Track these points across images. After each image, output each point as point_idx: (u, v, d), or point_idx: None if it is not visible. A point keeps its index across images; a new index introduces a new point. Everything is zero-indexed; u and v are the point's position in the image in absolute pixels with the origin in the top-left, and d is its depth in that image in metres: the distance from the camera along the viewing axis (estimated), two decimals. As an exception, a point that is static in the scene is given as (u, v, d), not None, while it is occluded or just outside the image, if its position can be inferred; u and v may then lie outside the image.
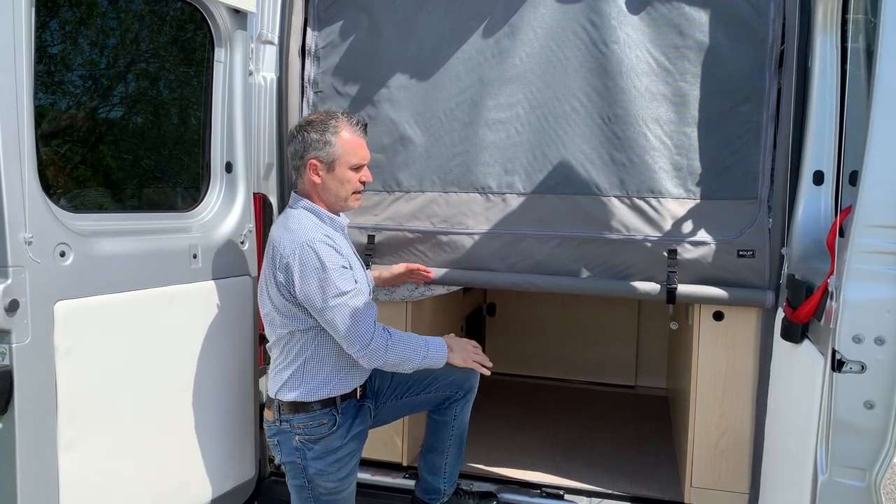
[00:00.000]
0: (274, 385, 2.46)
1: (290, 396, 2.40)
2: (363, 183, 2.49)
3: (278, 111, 3.19)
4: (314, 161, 2.40)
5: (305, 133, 2.41)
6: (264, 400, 2.54)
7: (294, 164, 2.48)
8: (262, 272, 2.45)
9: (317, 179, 2.42)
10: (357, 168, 2.45)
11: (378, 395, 2.65)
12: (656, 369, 5.04)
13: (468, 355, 2.50)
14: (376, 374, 2.61)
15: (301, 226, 2.36)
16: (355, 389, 2.50)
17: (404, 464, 3.31)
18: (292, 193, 2.52)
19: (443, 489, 2.88)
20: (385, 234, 3.13)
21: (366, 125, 2.50)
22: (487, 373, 2.54)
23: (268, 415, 2.50)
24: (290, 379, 2.41)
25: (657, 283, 2.81)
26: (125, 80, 2.99)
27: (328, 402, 2.42)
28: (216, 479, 2.86)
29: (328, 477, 2.43)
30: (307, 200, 2.45)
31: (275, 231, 2.42)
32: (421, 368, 2.42)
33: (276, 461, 2.54)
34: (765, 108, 2.72)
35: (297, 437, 2.41)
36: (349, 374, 2.46)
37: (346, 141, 2.41)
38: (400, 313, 3.23)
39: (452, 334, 2.59)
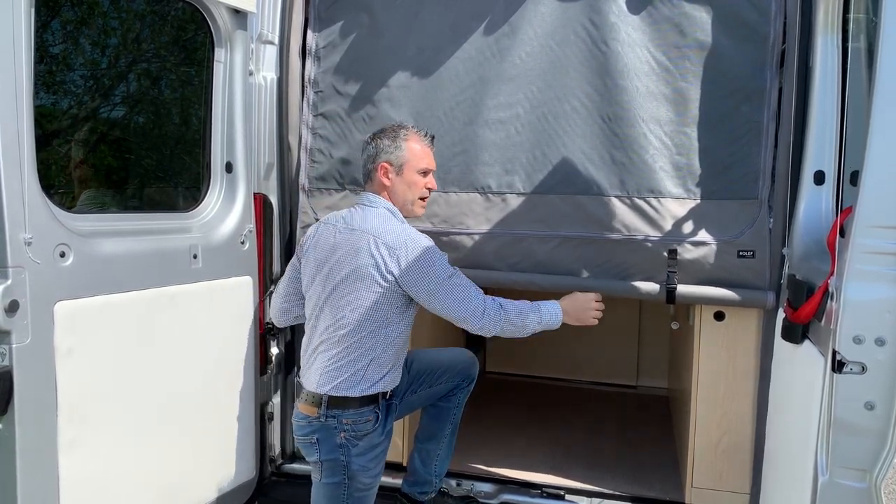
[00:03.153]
0: (328, 380, 2.43)
1: (346, 392, 2.41)
2: (429, 190, 2.64)
3: (278, 111, 3.18)
4: (385, 164, 2.56)
5: (378, 140, 2.59)
6: (299, 395, 2.51)
7: (366, 169, 2.62)
8: (333, 267, 2.46)
9: (386, 182, 2.56)
10: (424, 173, 2.59)
11: (398, 394, 2.68)
12: (658, 369, 5.03)
13: (585, 315, 2.59)
14: None
15: (396, 220, 2.51)
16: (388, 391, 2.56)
17: (405, 464, 3.30)
18: (366, 193, 2.60)
19: (433, 482, 2.92)
20: None
21: (433, 137, 2.67)
22: (599, 316, 2.61)
23: (309, 410, 2.45)
24: (353, 375, 2.41)
25: (657, 283, 2.80)
26: (125, 80, 2.99)
27: (373, 399, 2.46)
28: (217, 479, 2.86)
29: (367, 473, 2.48)
30: (388, 202, 2.57)
31: (368, 224, 2.46)
32: (538, 331, 2.52)
33: (312, 458, 2.49)
34: (766, 107, 2.71)
35: (342, 434, 2.42)
36: (395, 373, 2.54)
37: (414, 147, 2.57)
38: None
39: (573, 294, 2.63)
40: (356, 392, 2.42)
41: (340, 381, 2.42)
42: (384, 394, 2.51)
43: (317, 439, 2.45)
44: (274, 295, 2.82)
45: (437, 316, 2.55)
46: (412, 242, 2.41)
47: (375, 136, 2.62)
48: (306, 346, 2.57)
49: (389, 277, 2.39)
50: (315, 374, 2.47)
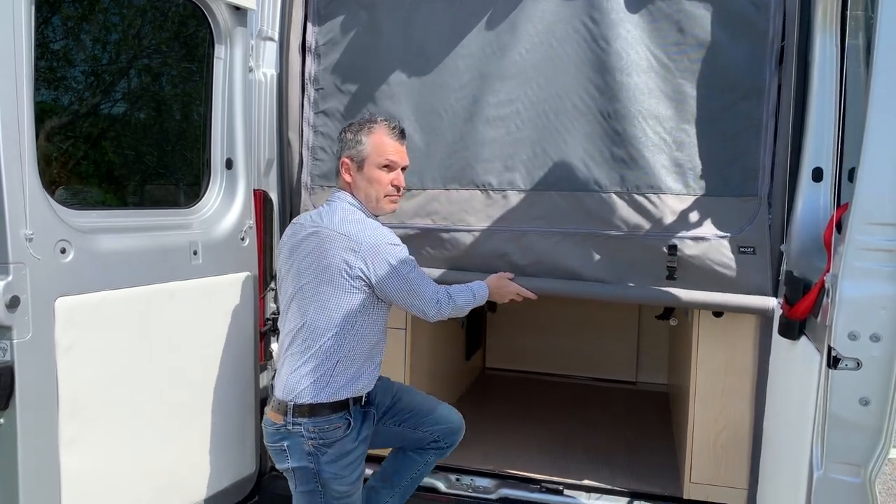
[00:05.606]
0: (293, 386, 2.35)
1: (311, 399, 2.33)
2: (397, 187, 2.51)
3: (278, 108, 3.19)
4: (345, 160, 2.49)
5: (343, 134, 2.53)
6: (270, 401, 2.43)
7: (337, 165, 2.56)
8: (300, 267, 2.40)
9: (347, 178, 2.49)
10: (387, 169, 2.48)
11: (379, 408, 2.59)
12: (657, 365, 5.05)
13: (507, 294, 2.76)
14: (376, 386, 2.56)
15: (361, 215, 2.43)
16: (361, 396, 2.47)
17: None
18: (335, 190, 2.56)
19: None
20: None
21: (403, 130, 2.55)
22: (533, 296, 2.78)
23: (275, 417, 2.38)
24: (318, 380, 2.34)
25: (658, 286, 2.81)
26: (126, 77, 3.00)
27: (342, 406, 2.38)
28: (217, 474, 2.88)
29: (342, 480, 2.39)
30: (352, 196, 2.49)
31: (332, 222, 2.38)
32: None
33: (283, 466, 2.41)
34: (765, 104, 2.71)
35: (309, 442, 2.34)
36: (365, 378, 2.45)
37: (377, 141, 2.46)
38: (399, 311, 3.23)
39: (498, 275, 2.81)
40: (322, 398, 2.34)
41: (305, 388, 2.34)
42: (356, 399, 2.43)
43: (287, 446, 2.37)
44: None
45: (436, 323, 2.54)
46: (376, 239, 2.35)
47: (343, 130, 2.55)
48: (278, 350, 2.48)
49: (356, 276, 2.32)
50: (282, 380, 2.40)
